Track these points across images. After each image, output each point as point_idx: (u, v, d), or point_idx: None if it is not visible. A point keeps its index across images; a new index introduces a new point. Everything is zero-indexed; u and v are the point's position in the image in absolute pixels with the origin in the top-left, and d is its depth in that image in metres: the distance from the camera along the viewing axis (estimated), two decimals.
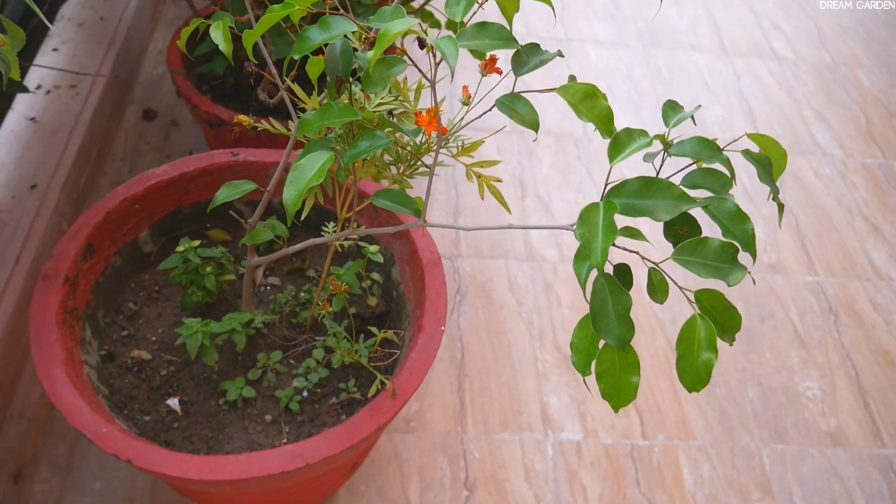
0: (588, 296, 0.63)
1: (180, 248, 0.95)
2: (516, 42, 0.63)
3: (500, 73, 0.78)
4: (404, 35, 0.60)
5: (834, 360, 1.51)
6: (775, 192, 0.67)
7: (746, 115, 1.98)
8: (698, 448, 1.35)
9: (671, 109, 0.67)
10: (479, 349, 1.43)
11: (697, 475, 1.32)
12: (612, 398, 0.67)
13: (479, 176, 0.84)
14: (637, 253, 0.66)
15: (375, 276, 1.01)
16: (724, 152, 0.67)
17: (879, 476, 1.35)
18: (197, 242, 0.96)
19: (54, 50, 1.59)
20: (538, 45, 0.70)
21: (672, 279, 0.65)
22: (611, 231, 0.57)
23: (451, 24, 1.06)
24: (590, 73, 2.02)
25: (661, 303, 0.65)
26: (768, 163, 0.68)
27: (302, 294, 1.05)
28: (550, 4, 0.66)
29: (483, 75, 0.77)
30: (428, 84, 0.68)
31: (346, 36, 0.65)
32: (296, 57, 0.62)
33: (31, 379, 1.27)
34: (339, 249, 0.98)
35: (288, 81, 0.77)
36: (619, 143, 0.61)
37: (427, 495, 1.23)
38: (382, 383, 0.84)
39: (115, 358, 0.98)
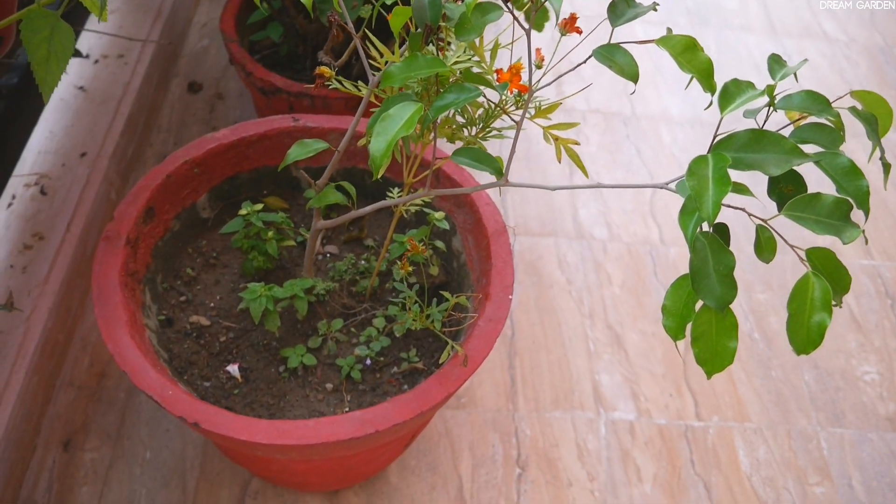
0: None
1: (243, 212, 0.93)
2: None
3: (579, 32, 0.75)
4: None
5: (892, 344, 1.47)
6: (882, 151, 0.64)
7: None
8: (754, 430, 1.32)
9: (776, 63, 0.64)
10: (528, 327, 1.40)
11: (753, 457, 1.29)
12: (706, 363, 0.65)
13: (556, 139, 0.82)
14: (743, 210, 0.63)
15: (439, 244, 0.98)
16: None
17: None
18: (259, 206, 0.94)
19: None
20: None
21: (781, 235, 0.62)
22: (723, 183, 0.55)
23: None
24: (637, 49, 1.98)
25: (768, 262, 0.62)
26: (875, 121, 0.65)
27: (361, 262, 1.03)
28: None
29: (562, 34, 0.74)
30: (510, 44, 0.65)
31: None
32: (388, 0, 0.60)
33: (80, 347, 1.26)
34: (404, 216, 0.96)
35: (367, 33, 0.75)
36: (729, 93, 0.58)
37: (479, 472, 1.21)
38: (453, 349, 0.82)
39: (173, 323, 0.97)
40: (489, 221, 0.97)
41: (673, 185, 0.64)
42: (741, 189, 0.60)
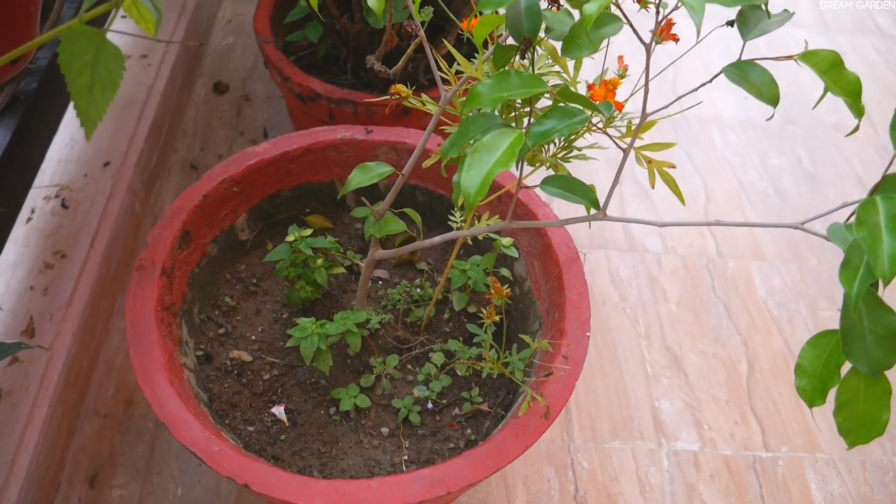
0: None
1: (290, 238, 0.84)
2: None
3: (676, 40, 0.66)
4: None
5: None
6: None
7: None
8: (826, 462, 1.23)
9: None
10: None
11: (827, 491, 1.19)
12: (850, 433, 0.55)
13: (649, 161, 0.72)
14: None
15: (505, 272, 0.89)
16: None
17: None
18: (308, 231, 0.85)
19: (123, 17, 1.49)
20: (759, 6, 0.57)
21: None
22: None
23: None
24: (686, 47, 1.87)
25: None
26: None
27: (416, 290, 0.94)
28: None
29: (657, 43, 0.65)
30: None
31: None
32: (486, 11, 0.50)
33: (104, 372, 1.18)
34: (469, 242, 0.87)
35: (448, 46, 0.65)
36: None
37: None
38: (533, 398, 0.73)
39: (212, 359, 0.88)
40: (560, 247, 0.87)
41: (812, 226, 0.55)
42: None
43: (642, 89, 0.64)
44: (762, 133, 1.70)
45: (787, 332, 1.36)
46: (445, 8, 0.70)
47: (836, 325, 1.37)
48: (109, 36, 1.26)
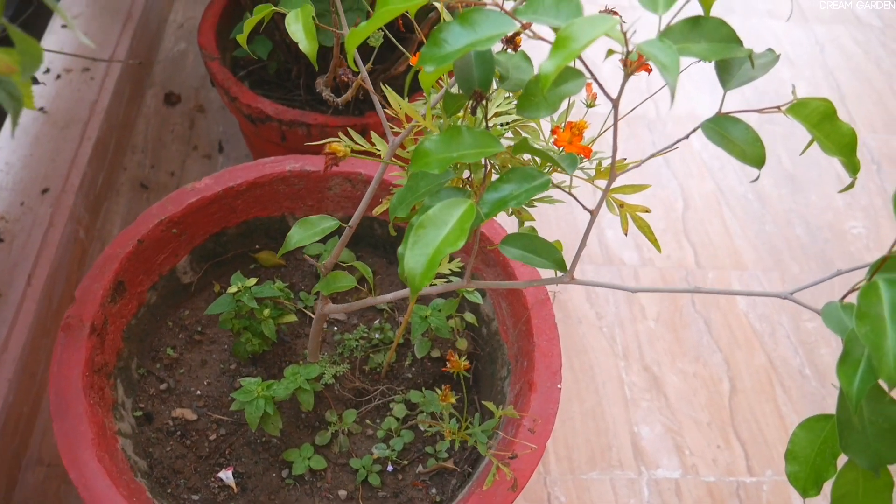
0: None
1: (232, 289, 0.77)
2: (743, 46, 0.43)
3: (648, 70, 0.59)
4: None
5: (877, 202, 1.39)
6: None
7: (834, 91, 1.77)
8: None
9: None
10: None
11: None
12: None
13: (621, 206, 0.65)
14: None
15: (469, 316, 0.83)
16: None
17: None
18: (252, 281, 0.78)
19: (63, 26, 1.39)
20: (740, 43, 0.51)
21: None
22: None
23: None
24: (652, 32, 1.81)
25: None
26: None
27: (374, 335, 0.87)
28: None
29: (627, 74, 0.58)
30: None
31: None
32: (429, 69, 0.43)
33: (47, 418, 1.10)
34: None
35: (392, 94, 0.58)
36: None
37: None
38: (498, 468, 0.67)
39: (153, 419, 0.81)
40: (528, 288, 0.81)
41: (798, 296, 0.48)
42: None
43: (623, 116, 0.57)
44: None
45: (770, 346, 1.31)
46: (394, 39, 0.63)
47: (820, 337, 1.31)
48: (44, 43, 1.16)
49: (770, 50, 0.51)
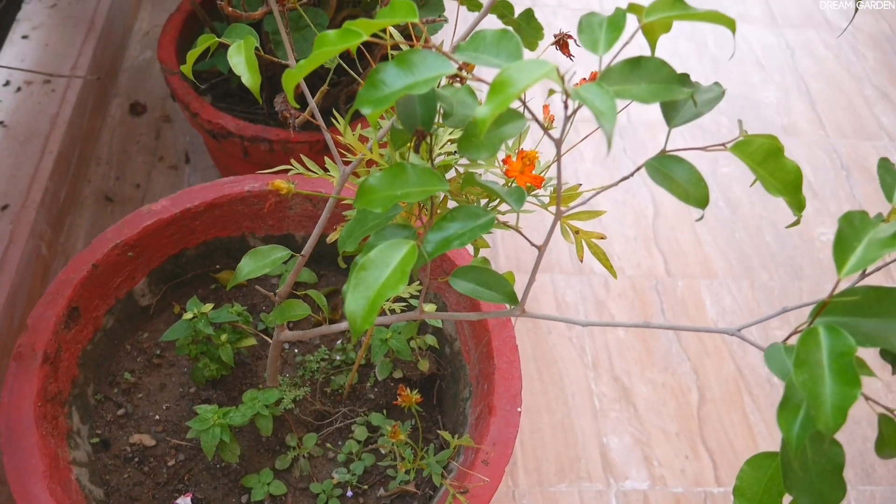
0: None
1: (188, 315, 0.76)
2: (686, 87, 0.43)
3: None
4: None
5: (846, 208, 1.38)
6: None
7: (804, 96, 1.78)
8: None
9: (888, 173, 0.48)
10: (527, 382, 1.25)
11: None
12: None
13: (577, 232, 0.65)
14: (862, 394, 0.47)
15: (430, 339, 0.82)
16: None
17: None
18: (209, 307, 0.77)
19: (24, 37, 1.37)
20: (688, 77, 0.50)
21: None
22: (849, 381, 0.39)
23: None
24: (630, 46, 1.81)
25: (890, 457, 0.47)
26: None
27: (337, 357, 0.87)
28: None
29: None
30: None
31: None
32: (367, 112, 0.42)
33: None
34: (385, 311, 0.79)
35: (346, 122, 0.57)
36: (845, 240, 0.42)
37: None
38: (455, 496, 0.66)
39: (110, 446, 0.80)
40: (490, 308, 0.80)
41: (748, 334, 0.48)
42: (859, 365, 0.44)
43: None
44: (712, 139, 1.65)
45: (739, 355, 1.31)
46: (345, 66, 0.62)
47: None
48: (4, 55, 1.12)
49: (717, 84, 0.51)
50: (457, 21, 0.69)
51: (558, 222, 0.50)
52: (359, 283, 0.46)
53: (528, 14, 0.81)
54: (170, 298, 0.90)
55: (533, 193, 0.65)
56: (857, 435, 1.25)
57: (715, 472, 1.19)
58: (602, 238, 0.66)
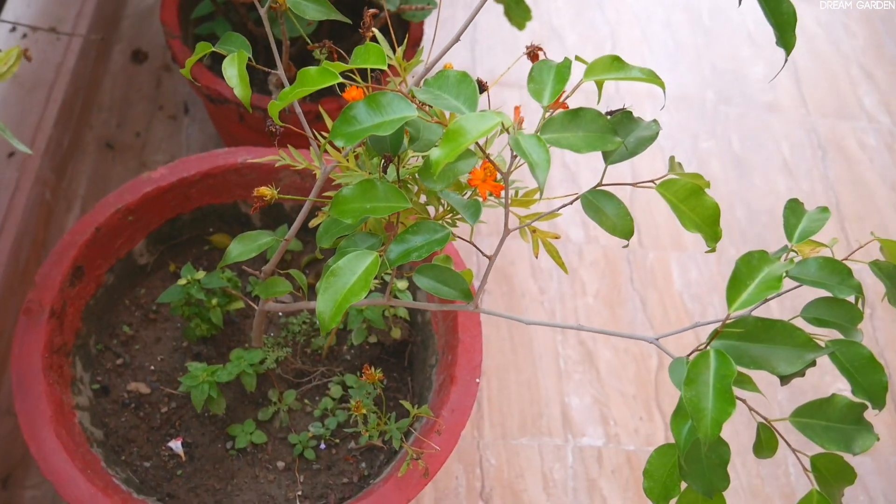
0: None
1: (182, 282, 0.83)
2: (618, 139, 0.50)
3: (565, 107, 0.65)
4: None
5: (818, 188, 1.50)
6: None
7: (791, 73, 1.82)
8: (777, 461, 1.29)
9: (793, 214, 0.55)
10: (498, 343, 1.34)
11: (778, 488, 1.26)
12: None
13: (534, 231, 0.72)
14: (744, 401, 0.55)
15: (402, 311, 0.90)
16: (849, 261, 0.56)
17: None
18: (201, 274, 0.84)
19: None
20: (631, 115, 0.57)
21: (785, 439, 0.55)
22: (726, 399, 0.47)
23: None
24: (625, 17, 1.84)
25: (767, 457, 0.56)
26: None
27: (317, 321, 0.95)
28: None
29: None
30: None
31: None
32: (340, 144, 0.49)
33: None
34: None
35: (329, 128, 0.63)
36: (739, 278, 0.49)
37: None
38: (414, 458, 0.75)
39: (109, 392, 0.88)
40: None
41: (663, 342, 0.56)
42: (745, 382, 0.53)
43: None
44: (697, 113, 1.70)
45: (700, 327, 1.40)
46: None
47: None
48: (10, 7, 1.16)
49: (654, 121, 0.57)
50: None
51: (509, 236, 0.58)
52: (328, 287, 0.53)
53: None
54: (166, 258, 0.97)
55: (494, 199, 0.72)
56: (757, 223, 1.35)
57: (665, 434, 1.29)
58: (556, 237, 0.73)
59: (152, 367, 0.91)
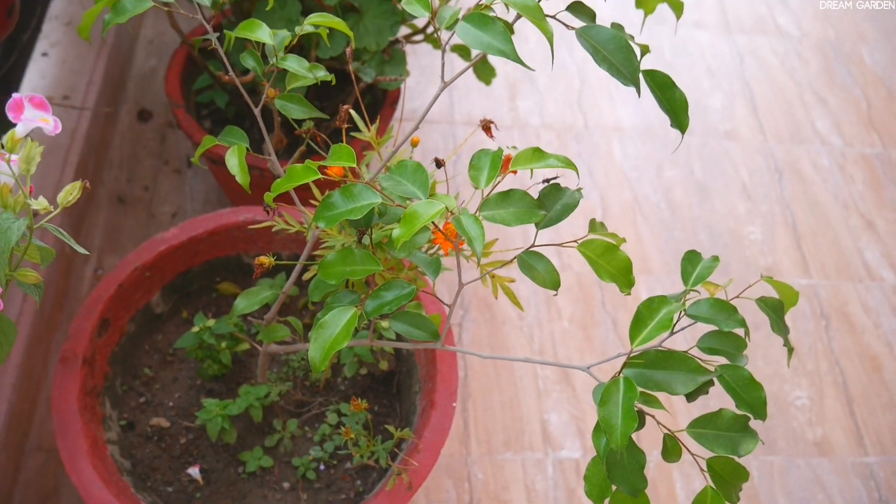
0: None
1: (195, 329, 0.96)
2: (543, 212, 0.63)
3: (514, 173, 0.78)
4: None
5: (823, 367, 1.56)
6: (786, 339, 0.69)
7: (748, 102, 1.96)
8: (690, 463, 1.42)
9: (690, 263, 0.68)
10: (481, 366, 1.46)
11: (689, 489, 1.39)
12: None
13: (493, 276, 0.85)
14: (653, 416, 0.68)
15: (389, 349, 1.03)
16: (737, 299, 0.69)
17: (860, 485, 1.43)
18: (212, 322, 0.97)
19: (44, 55, 1.55)
20: (558, 186, 0.70)
21: (686, 447, 0.68)
22: (631, 417, 0.60)
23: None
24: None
25: (674, 462, 0.68)
26: (781, 308, 0.70)
27: None
28: None
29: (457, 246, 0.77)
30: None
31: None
32: (321, 225, 0.62)
33: (45, 409, 1.30)
34: None
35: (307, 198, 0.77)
36: (640, 319, 0.62)
37: None
38: (397, 475, 0.88)
39: (135, 427, 1.01)
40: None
41: (595, 370, 0.69)
42: (651, 401, 0.65)
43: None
44: (660, 144, 1.84)
45: (668, 343, 1.53)
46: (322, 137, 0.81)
47: (705, 329, 1.53)
48: (28, 78, 1.31)
49: (578, 190, 0.71)
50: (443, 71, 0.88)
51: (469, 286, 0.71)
52: (317, 337, 0.66)
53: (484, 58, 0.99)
54: (179, 306, 1.10)
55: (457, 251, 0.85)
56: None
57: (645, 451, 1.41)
58: (512, 281, 0.86)
59: (171, 404, 1.04)
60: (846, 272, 1.69)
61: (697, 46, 2.06)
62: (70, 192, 0.60)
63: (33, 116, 0.59)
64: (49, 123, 0.59)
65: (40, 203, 0.57)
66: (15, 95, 0.58)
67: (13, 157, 0.55)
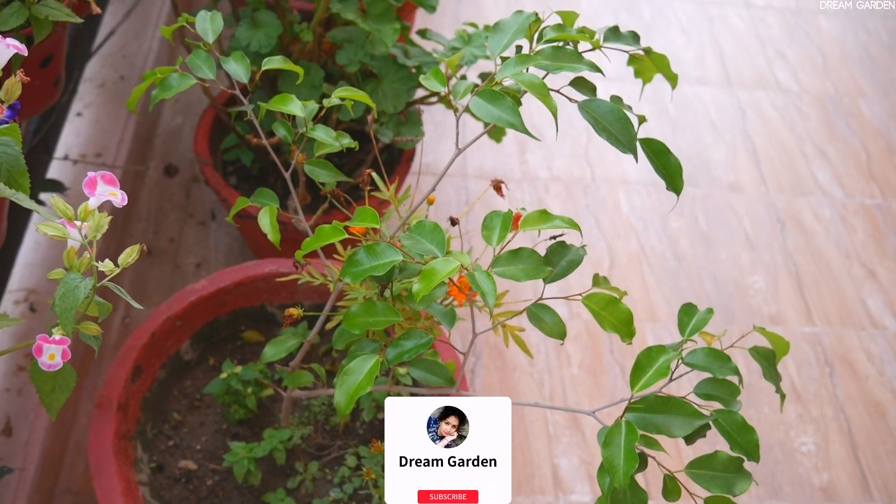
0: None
1: (223, 375, 1.02)
2: (549, 269, 0.69)
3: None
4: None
5: (828, 413, 1.59)
6: (778, 387, 0.75)
7: (750, 155, 2.03)
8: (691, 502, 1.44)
9: (686, 315, 0.73)
10: None
11: None
12: None
13: (504, 326, 0.91)
14: (654, 458, 0.73)
15: (405, 393, 1.08)
16: (732, 348, 0.74)
17: None
18: (238, 368, 1.03)
19: (78, 115, 1.64)
20: (564, 243, 0.76)
21: (685, 487, 0.73)
22: (632, 458, 0.65)
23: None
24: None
25: (674, 500, 0.73)
26: (773, 357, 0.75)
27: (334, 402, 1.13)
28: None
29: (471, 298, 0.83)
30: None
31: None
32: (347, 280, 0.69)
33: (74, 453, 1.35)
34: None
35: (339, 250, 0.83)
36: (640, 367, 0.68)
37: None
38: None
39: (164, 469, 1.06)
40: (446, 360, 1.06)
41: (600, 414, 0.74)
42: (652, 444, 0.70)
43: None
44: (665, 196, 1.90)
45: (673, 390, 1.57)
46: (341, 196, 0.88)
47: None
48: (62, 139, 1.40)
49: (583, 247, 0.77)
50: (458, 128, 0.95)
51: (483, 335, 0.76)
52: (343, 383, 0.72)
53: None
54: (207, 354, 1.16)
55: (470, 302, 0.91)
56: (769, 459, 1.51)
57: (649, 490, 1.45)
58: (522, 330, 0.91)
59: (198, 447, 1.09)
60: (849, 320, 1.74)
61: (700, 101, 2.14)
62: (129, 255, 0.67)
63: (104, 191, 0.66)
64: (117, 197, 0.67)
65: (106, 265, 0.63)
66: (90, 174, 0.66)
67: (84, 224, 0.63)
